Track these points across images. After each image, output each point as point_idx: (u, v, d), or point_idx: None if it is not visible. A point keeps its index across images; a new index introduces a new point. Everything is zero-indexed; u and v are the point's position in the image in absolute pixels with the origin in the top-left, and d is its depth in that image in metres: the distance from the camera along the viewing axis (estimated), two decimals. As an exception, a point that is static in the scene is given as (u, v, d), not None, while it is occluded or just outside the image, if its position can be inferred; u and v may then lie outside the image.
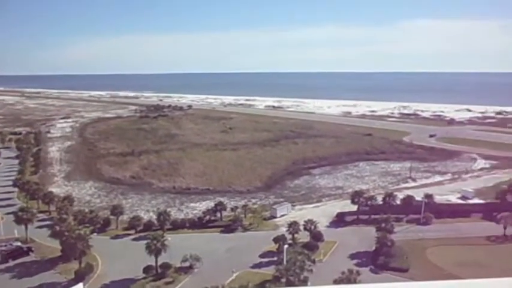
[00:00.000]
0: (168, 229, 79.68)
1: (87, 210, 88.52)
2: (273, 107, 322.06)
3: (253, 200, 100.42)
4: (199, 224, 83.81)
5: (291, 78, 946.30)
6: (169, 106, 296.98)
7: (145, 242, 65.99)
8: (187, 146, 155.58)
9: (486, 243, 72.98)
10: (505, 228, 75.45)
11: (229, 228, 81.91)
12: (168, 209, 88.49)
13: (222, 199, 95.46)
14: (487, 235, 75.52)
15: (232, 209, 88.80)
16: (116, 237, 79.34)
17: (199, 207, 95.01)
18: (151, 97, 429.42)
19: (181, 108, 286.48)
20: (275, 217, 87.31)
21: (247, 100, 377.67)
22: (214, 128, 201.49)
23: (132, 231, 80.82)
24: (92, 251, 67.76)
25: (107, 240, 77.55)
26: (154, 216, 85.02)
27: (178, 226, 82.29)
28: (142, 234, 78.08)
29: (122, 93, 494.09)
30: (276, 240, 70.61)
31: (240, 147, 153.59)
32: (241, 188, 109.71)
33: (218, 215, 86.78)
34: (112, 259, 68.47)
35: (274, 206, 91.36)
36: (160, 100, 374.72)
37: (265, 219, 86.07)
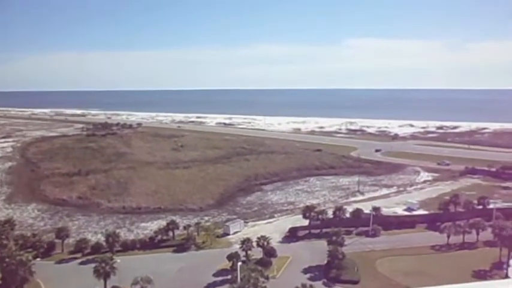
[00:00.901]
0: (118, 251, 77.23)
1: (29, 234, 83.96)
2: (224, 124, 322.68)
3: (206, 218, 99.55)
4: (150, 244, 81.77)
5: (242, 95, 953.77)
6: (117, 124, 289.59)
7: (93, 265, 63.45)
8: (138, 165, 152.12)
9: (431, 252, 76.22)
10: (448, 237, 79.23)
11: (182, 247, 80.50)
12: (118, 230, 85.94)
13: (174, 218, 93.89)
14: (432, 244, 78.95)
15: (184, 228, 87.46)
16: (62, 261, 75.77)
17: (151, 226, 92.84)
18: (99, 115, 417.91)
19: (130, 126, 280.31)
20: (228, 234, 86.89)
21: (198, 117, 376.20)
22: (165, 146, 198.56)
23: (79, 255, 77.51)
24: (35, 278, 64.16)
25: (51, 265, 73.86)
26: (103, 238, 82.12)
27: (128, 247, 79.89)
28: (90, 257, 75.06)
29: (67, 111, 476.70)
30: (230, 257, 70.11)
31: (192, 165, 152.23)
32: (194, 205, 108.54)
33: (170, 234, 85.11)
34: (57, 285, 65.25)
35: (227, 223, 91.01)
36: (109, 118, 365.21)
37: (218, 236, 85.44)
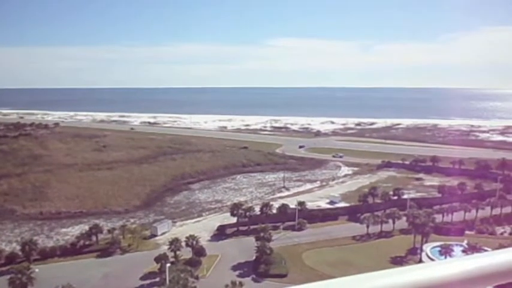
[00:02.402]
0: (36, 259, 72.54)
1: None
2: (149, 123, 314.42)
3: (132, 220, 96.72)
4: (72, 250, 77.74)
5: (166, 93, 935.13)
6: (32, 124, 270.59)
7: (8, 277, 59.12)
8: (56, 167, 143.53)
9: (353, 243, 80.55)
10: (367, 227, 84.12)
11: (106, 251, 77.56)
12: (35, 237, 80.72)
13: (97, 221, 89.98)
14: (353, 235, 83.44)
15: (109, 231, 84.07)
16: (-29, 275, 69.68)
17: (72, 232, 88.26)
18: (10, 114, 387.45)
19: (46, 126, 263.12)
20: (156, 235, 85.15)
21: (121, 116, 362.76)
22: (86, 146, 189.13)
23: (-8, 266, 71.79)
24: None
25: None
26: (18, 247, 76.64)
27: (47, 255, 75.30)
28: (4, 268, 69.77)
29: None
30: (158, 259, 68.74)
31: (116, 166, 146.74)
32: (119, 208, 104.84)
33: (94, 238, 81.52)
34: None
35: (154, 224, 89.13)
36: (21, 118, 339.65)
37: (145, 238, 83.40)
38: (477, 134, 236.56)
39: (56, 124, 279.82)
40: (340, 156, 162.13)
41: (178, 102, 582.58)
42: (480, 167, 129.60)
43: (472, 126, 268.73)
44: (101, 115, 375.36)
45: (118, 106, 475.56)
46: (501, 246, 49.99)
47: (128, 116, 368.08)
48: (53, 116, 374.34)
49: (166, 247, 73.71)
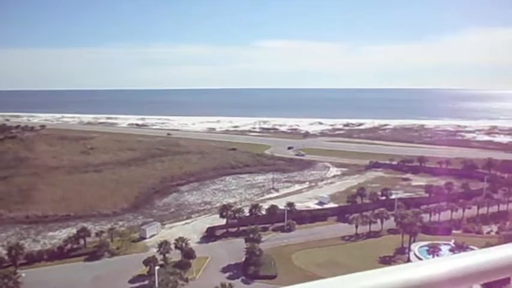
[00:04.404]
0: (22, 264, 71.53)
1: None
2: (137, 125, 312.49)
3: (121, 223, 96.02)
4: (59, 254, 76.84)
5: (154, 95, 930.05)
6: (17, 126, 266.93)
7: (-6, 281, 58.27)
8: (42, 170, 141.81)
9: (342, 243, 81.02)
10: (356, 227, 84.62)
11: (94, 255, 76.77)
12: (21, 242, 79.57)
13: (85, 224, 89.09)
14: (342, 235, 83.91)
15: (97, 234, 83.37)
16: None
17: (59, 235, 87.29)
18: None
19: (32, 129, 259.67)
20: (145, 238, 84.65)
21: (108, 118, 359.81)
22: (73, 149, 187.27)
23: (-23, 271, 70.59)
24: None
25: None
26: (5, 251, 75.55)
27: (34, 259, 74.30)
28: (-10, 273, 68.70)
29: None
30: (147, 262, 68.26)
31: (103, 169, 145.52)
32: (107, 210, 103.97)
33: (81, 242, 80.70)
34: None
35: (143, 227, 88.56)
36: (7, 120, 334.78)
37: (134, 241, 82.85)
38: (463, 134, 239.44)
39: (42, 126, 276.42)
40: (302, 155, 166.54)
41: (166, 103, 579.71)
42: (466, 166, 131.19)
43: (458, 126, 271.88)
44: (88, 117, 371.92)
45: (106, 108, 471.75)
46: (488, 245, 50.67)
47: (116, 117, 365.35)
48: (39, 118, 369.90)
49: (155, 250, 73.39)
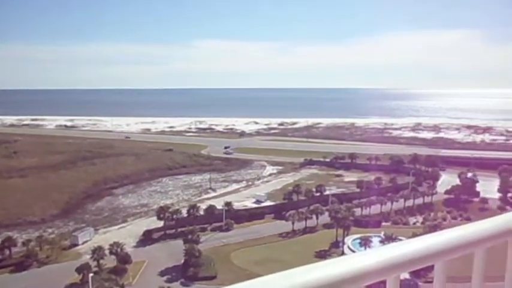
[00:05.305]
0: None
1: None
2: (66, 126, 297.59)
3: (50, 230, 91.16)
4: (-19, 267, 71.61)
5: (85, 95, 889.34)
6: None
7: None
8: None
9: (279, 240, 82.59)
10: (293, 224, 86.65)
11: (21, 265, 72.24)
12: None
13: (10, 234, 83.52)
14: (280, 232, 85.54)
15: (24, 243, 78.41)
16: None
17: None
18: None
19: None
20: (77, 245, 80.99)
21: (33, 120, 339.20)
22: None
23: None
24: None
25: None
26: None
27: (-48, 274, 68.72)
28: None
29: None
30: (79, 270, 65.35)
31: (29, 173, 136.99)
32: (34, 218, 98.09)
33: (7, 252, 75.63)
34: None
35: (74, 233, 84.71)
36: None
37: (64, 249, 78.94)
38: (391, 131, 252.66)
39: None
40: (231, 153, 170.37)
41: (100, 104, 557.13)
42: (394, 162, 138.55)
43: (386, 124, 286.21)
44: (10, 119, 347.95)
45: (30, 109, 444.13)
46: (414, 235, 53.93)
47: (42, 119, 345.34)
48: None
49: (88, 256, 70.50)
